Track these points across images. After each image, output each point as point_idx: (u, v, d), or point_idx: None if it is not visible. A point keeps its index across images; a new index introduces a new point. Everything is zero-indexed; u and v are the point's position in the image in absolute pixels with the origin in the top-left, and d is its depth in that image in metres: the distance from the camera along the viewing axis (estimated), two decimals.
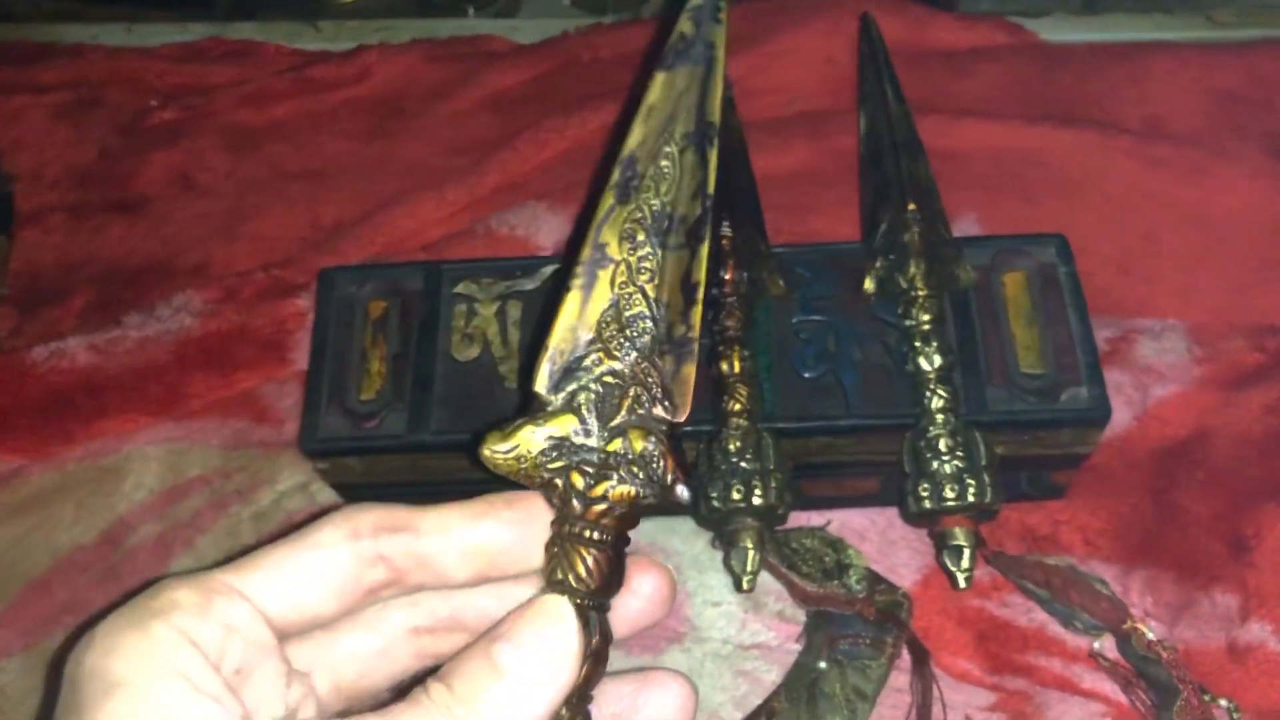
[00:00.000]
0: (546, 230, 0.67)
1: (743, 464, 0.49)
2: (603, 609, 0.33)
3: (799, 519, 0.55)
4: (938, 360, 0.50)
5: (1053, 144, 0.68)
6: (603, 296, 0.35)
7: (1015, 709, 0.51)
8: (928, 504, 0.48)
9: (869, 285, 0.53)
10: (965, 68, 0.73)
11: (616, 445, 0.33)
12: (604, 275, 0.35)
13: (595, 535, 0.32)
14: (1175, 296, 0.62)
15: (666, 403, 0.34)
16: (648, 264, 0.35)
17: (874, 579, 0.52)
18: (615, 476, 0.33)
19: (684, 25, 0.37)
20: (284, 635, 0.31)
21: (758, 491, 0.48)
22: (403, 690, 0.32)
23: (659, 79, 0.37)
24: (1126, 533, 0.55)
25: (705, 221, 0.36)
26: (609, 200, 0.36)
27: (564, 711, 0.31)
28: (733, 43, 0.71)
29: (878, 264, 0.53)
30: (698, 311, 0.35)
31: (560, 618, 0.30)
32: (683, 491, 0.33)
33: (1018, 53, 0.74)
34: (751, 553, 0.49)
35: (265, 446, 0.61)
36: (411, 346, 0.54)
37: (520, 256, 0.64)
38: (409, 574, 0.32)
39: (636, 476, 0.33)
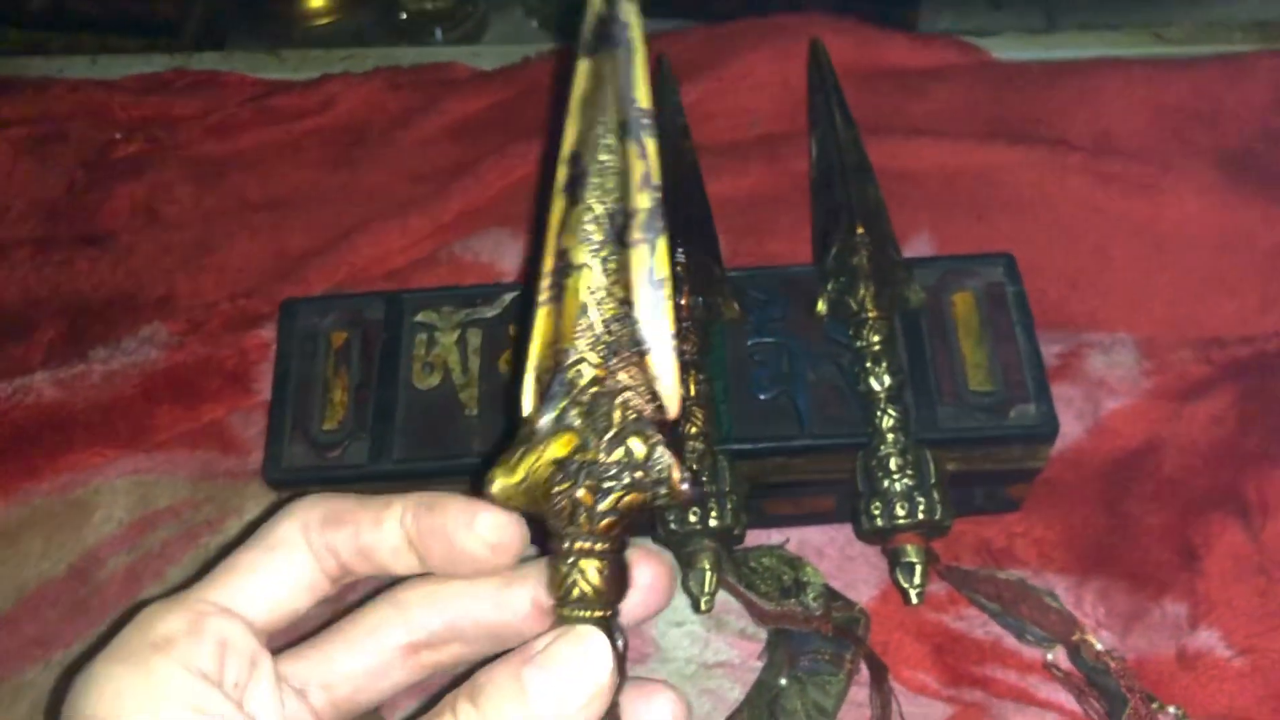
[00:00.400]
0: (510, 256, 0.68)
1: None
2: (617, 615, 0.33)
3: (759, 537, 0.56)
4: (888, 380, 0.51)
5: (1004, 162, 0.69)
6: (574, 306, 0.34)
7: None
8: (880, 522, 0.49)
9: (821, 307, 0.54)
10: (918, 88, 0.74)
11: (618, 455, 0.33)
12: (571, 284, 0.35)
13: (605, 546, 0.32)
14: (1125, 310, 0.63)
15: (656, 402, 0.34)
16: (611, 264, 0.35)
17: (831, 596, 0.53)
18: (622, 486, 0.33)
19: (597, 5, 0.37)
20: (270, 640, 0.32)
21: (714, 514, 0.49)
22: (427, 704, 0.32)
23: (583, 67, 0.36)
24: (1079, 544, 0.56)
25: (659, 213, 0.35)
26: (560, 203, 0.35)
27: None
28: (688, 68, 0.73)
29: (829, 286, 0.54)
30: (669, 305, 0.34)
31: (593, 647, 0.30)
32: (689, 489, 0.33)
33: (970, 72, 0.75)
34: (709, 574, 0.50)
35: (233, 477, 0.61)
36: (373, 376, 0.55)
37: (482, 284, 0.65)
38: (355, 566, 0.33)
39: (643, 482, 0.33)
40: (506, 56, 0.81)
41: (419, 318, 0.56)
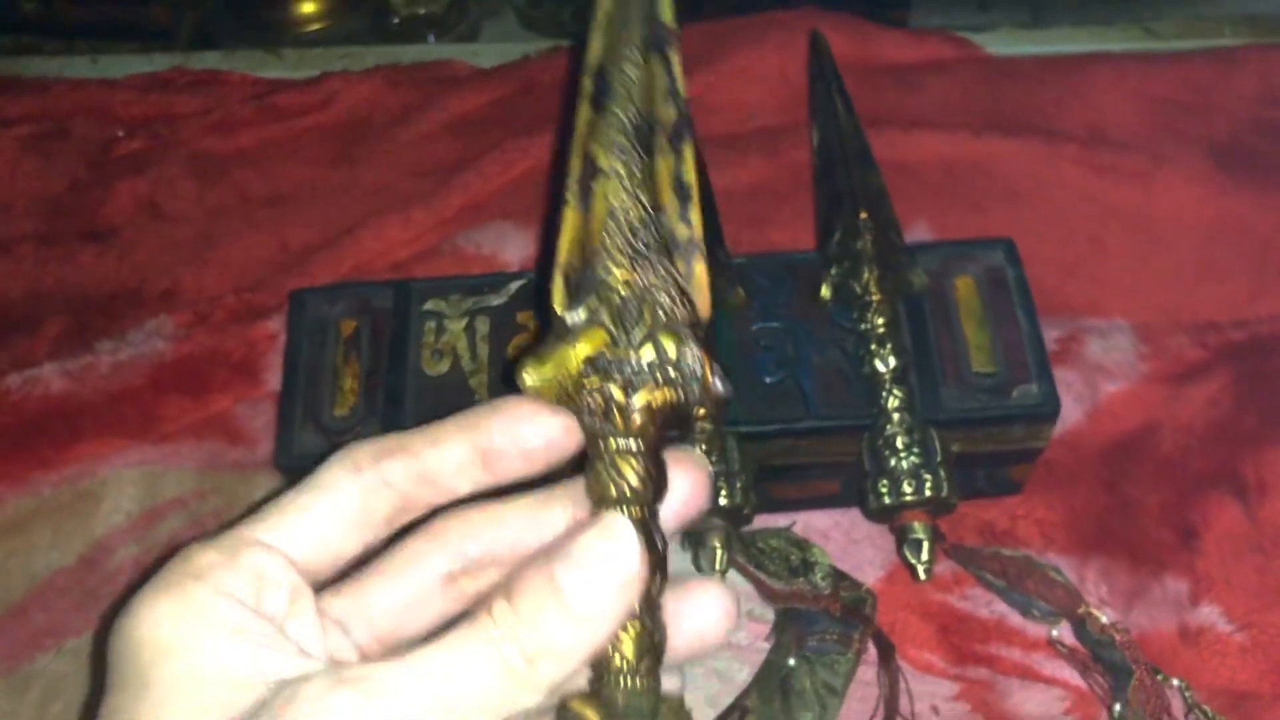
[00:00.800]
0: (513, 248, 0.68)
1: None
2: (656, 516, 0.32)
3: (765, 522, 0.57)
4: (893, 362, 0.52)
5: (1000, 153, 0.70)
6: (601, 208, 0.34)
7: (978, 697, 0.53)
8: (887, 500, 0.50)
9: (825, 292, 0.55)
10: (914, 82, 0.75)
11: (649, 352, 0.33)
12: (598, 188, 0.34)
13: (641, 445, 0.32)
14: (1121, 296, 0.64)
15: (687, 302, 0.34)
16: (638, 171, 0.35)
17: (839, 576, 0.53)
18: (654, 383, 0.32)
19: None
20: (315, 579, 0.32)
21: (724, 493, 0.50)
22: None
23: None
24: (1081, 524, 0.57)
25: (685, 123, 0.35)
26: (585, 112, 0.35)
27: (638, 622, 0.30)
28: (689, 62, 0.73)
29: (833, 271, 0.55)
30: (696, 210, 0.35)
31: (621, 535, 0.30)
32: (721, 386, 0.33)
33: (965, 66, 0.76)
34: (720, 551, 0.51)
35: (240, 467, 0.62)
36: (382, 363, 0.55)
37: (487, 273, 0.65)
38: (417, 496, 0.33)
39: (675, 380, 0.33)
40: (505, 55, 0.82)
41: (427, 306, 0.57)
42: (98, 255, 0.71)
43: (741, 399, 0.53)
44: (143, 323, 0.66)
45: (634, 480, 0.32)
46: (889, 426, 0.51)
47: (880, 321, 0.53)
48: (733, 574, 0.53)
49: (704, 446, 0.50)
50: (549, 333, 0.34)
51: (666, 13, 0.37)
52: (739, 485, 0.50)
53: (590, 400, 0.32)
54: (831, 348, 0.54)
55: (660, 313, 0.33)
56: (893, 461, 0.50)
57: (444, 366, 0.55)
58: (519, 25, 1.03)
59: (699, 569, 0.51)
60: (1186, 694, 0.49)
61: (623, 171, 0.35)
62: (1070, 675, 0.53)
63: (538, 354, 0.33)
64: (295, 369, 0.55)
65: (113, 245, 0.71)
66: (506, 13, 1.04)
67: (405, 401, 0.54)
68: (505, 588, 0.29)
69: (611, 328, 0.33)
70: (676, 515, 0.34)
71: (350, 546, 0.32)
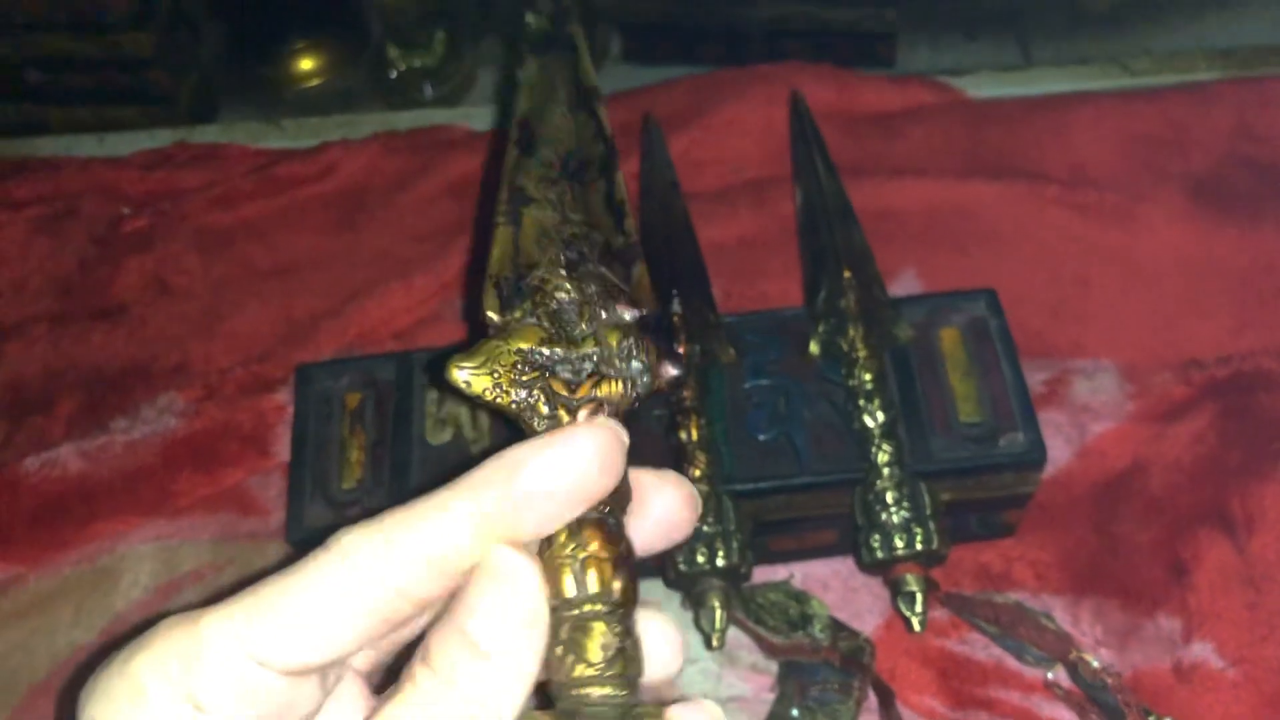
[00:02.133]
0: None
1: (705, 528, 0.52)
2: (618, 516, 0.30)
3: (765, 573, 0.58)
4: (881, 416, 0.53)
5: (983, 197, 0.72)
6: (532, 226, 0.34)
7: None
8: (879, 554, 0.51)
9: (814, 348, 0.57)
10: (897, 128, 0.77)
11: (590, 346, 0.32)
12: (528, 211, 0.34)
13: None
14: (1105, 336, 0.65)
15: (628, 302, 0.33)
16: (569, 196, 0.35)
17: (837, 627, 0.55)
18: (597, 376, 0.31)
19: (539, 23, 0.39)
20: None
21: (721, 553, 0.52)
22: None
23: (532, 63, 0.38)
24: (1074, 564, 0.58)
25: (613, 154, 0.36)
26: (513, 153, 0.35)
27: (605, 629, 0.29)
28: (674, 118, 0.76)
29: (820, 328, 0.57)
30: (630, 221, 0.35)
31: (512, 573, 0.28)
32: (672, 370, 0.32)
33: (946, 111, 0.78)
34: (719, 612, 0.52)
35: (253, 538, 0.63)
36: (388, 434, 0.57)
37: None
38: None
39: (621, 371, 0.32)
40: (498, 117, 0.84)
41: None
42: (108, 333, 0.73)
43: (736, 457, 0.55)
44: (154, 399, 0.67)
45: None
46: (879, 481, 0.52)
47: (868, 377, 0.54)
48: (732, 630, 0.55)
49: (701, 508, 0.52)
50: (475, 339, 0.32)
51: (589, 77, 0.38)
52: (735, 544, 0.52)
53: (529, 395, 0.31)
54: (822, 402, 0.56)
55: (601, 312, 0.33)
56: (884, 516, 0.52)
57: (447, 435, 0.57)
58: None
59: (700, 629, 0.53)
60: None
61: (553, 197, 0.35)
62: (1069, 717, 0.54)
63: (466, 351, 0.31)
64: (303, 443, 0.57)
65: (122, 322, 0.73)
66: (500, 63, 1.06)
67: (411, 471, 0.56)
68: (422, 651, 0.28)
69: (549, 325, 0.32)
70: (661, 534, 0.32)
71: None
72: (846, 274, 0.56)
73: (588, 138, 0.37)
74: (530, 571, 0.29)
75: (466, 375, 0.31)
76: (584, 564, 0.29)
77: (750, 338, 0.58)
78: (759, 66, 0.79)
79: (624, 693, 0.29)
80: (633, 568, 0.30)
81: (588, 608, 0.29)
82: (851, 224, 0.60)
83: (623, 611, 0.29)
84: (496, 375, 0.31)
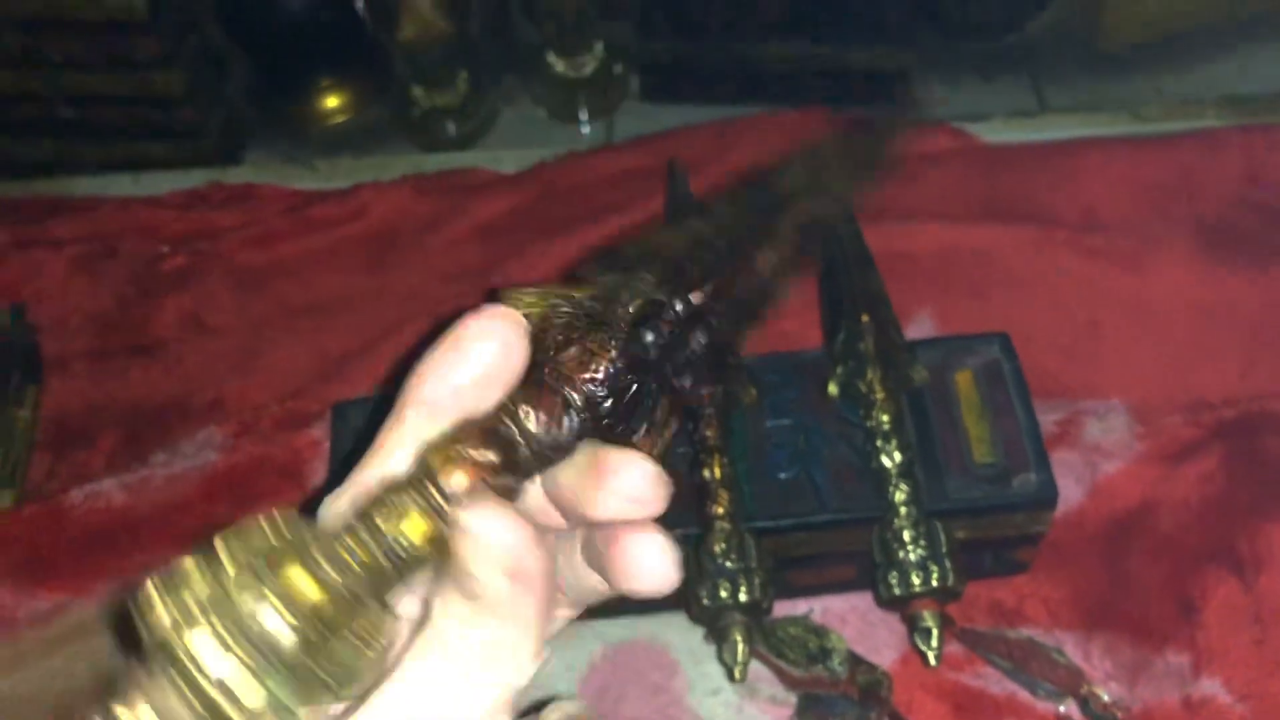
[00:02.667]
0: None
1: (728, 564, 0.54)
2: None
3: (785, 608, 0.60)
4: (898, 456, 0.55)
5: (998, 240, 0.74)
6: (685, 235, 0.32)
7: None
8: (897, 590, 0.53)
9: (832, 389, 0.59)
10: (914, 173, 0.79)
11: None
12: (694, 223, 0.33)
13: (577, 400, 0.29)
14: (1116, 378, 0.67)
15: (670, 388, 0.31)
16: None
17: (855, 661, 0.56)
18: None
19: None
20: None
21: (743, 589, 0.53)
22: None
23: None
24: (1085, 601, 0.60)
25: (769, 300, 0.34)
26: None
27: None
28: (695, 163, 0.78)
29: (838, 370, 0.59)
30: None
31: (476, 529, 0.28)
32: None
33: (961, 156, 0.80)
34: (741, 645, 0.54)
35: None
36: None
37: None
38: None
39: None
40: (523, 160, 0.86)
41: None
42: (146, 369, 0.75)
43: (758, 495, 0.56)
44: (193, 434, 0.70)
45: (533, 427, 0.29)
46: (896, 520, 0.54)
47: (885, 418, 0.56)
48: (754, 663, 0.56)
49: (723, 545, 0.54)
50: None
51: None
52: (757, 581, 0.54)
53: (555, 337, 0.30)
54: (841, 442, 0.58)
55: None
56: (901, 554, 0.53)
57: None
58: (535, 110, 1.07)
59: (722, 661, 0.54)
60: None
61: (722, 247, 0.33)
62: None
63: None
64: (339, 479, 0.59)
65: (160, 359, 0.76)
66: (523, 99, 1.09)
67: None
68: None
69: (608, 281, 0.31)
70: (626, 507, 0.31)
71: None
72: (865, 318, 0.58)
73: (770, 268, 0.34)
74: (500, 523, 0.28)
75: (518, 305, 0.30)
76: (451, 458, 0.28)
77: (771, 378, 0.60)
78: (778, 115, 0.82)
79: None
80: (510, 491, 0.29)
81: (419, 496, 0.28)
82: (870, 269, 0.62)
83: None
84: (540, 312, 0.30)
